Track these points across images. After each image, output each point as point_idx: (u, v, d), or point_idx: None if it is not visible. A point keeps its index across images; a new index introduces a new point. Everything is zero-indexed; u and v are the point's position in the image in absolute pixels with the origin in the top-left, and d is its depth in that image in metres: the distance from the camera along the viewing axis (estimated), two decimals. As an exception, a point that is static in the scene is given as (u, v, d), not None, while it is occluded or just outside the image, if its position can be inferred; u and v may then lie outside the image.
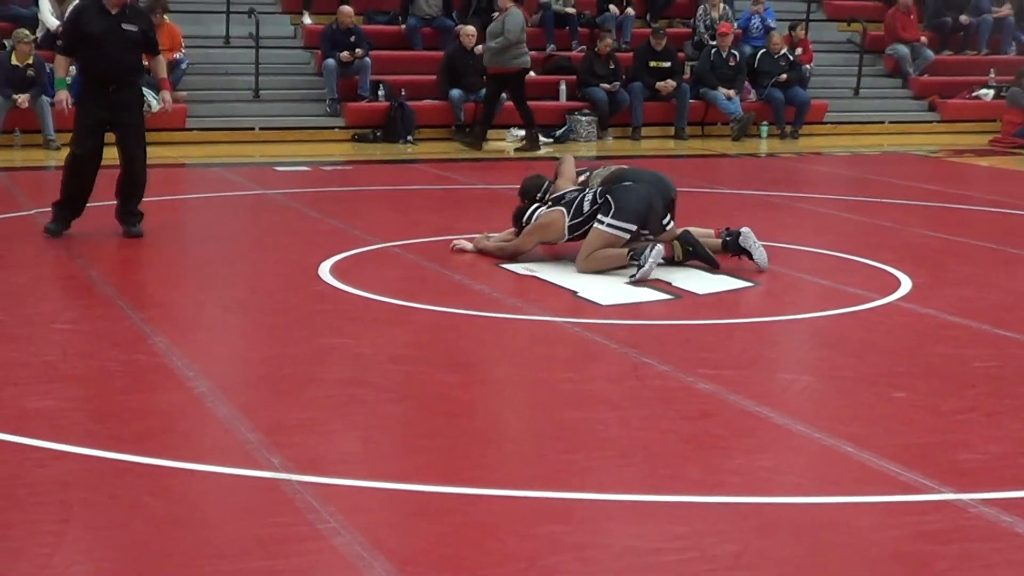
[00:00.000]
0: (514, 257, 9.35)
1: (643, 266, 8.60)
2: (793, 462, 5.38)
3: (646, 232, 9.04)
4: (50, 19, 17.27)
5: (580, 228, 9.11)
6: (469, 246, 9.62)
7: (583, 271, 8.90)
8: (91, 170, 10.06)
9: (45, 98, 15.95)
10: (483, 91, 18.56)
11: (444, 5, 19.95)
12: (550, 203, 9.37)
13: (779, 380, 6.62)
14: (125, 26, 9.99)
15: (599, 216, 8.96)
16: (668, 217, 9.25)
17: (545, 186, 9.62)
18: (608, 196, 9.01)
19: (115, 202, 10.28)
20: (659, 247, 8.74)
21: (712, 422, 5.81)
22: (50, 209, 10.17)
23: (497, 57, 17.34)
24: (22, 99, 16.11)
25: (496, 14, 18.14)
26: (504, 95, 17.94)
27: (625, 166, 9.99)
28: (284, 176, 14.60)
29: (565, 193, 9.35)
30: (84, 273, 8.87)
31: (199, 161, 16.03)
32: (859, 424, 5.78)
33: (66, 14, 10.69)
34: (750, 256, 9.11)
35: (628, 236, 8.95)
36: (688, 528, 4.58)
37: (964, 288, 8.88)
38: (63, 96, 10.21)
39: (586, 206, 9.09)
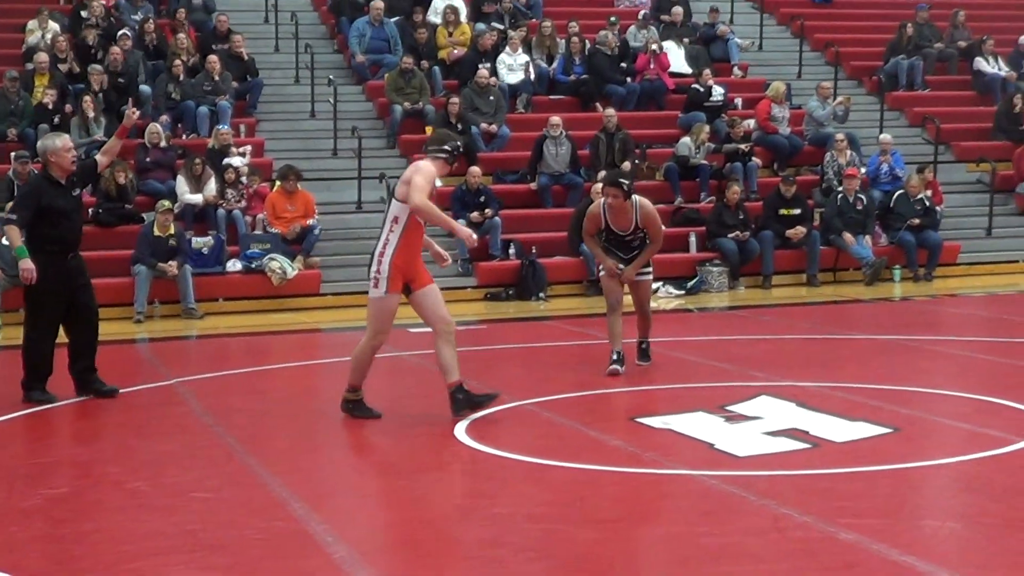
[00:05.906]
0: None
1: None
2: (943, 613, 5.24)
3: None
4: (187, 195, 17.86)
5: None
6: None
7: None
8: None
9: (188, 267, 16.58)
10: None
11: (571, 162, 20.16)
12: None
13: (924, 528, 6.48)
14: (75, 193, 10.29)
15: None
16: None
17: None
18: None
19: (71, 364, 10.39)
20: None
21: (857, 573, 5.69)
22: (25, 388, 10.26)
23: None
24: (172, 266, 16.50)
25: None
26: None
27: None
28: (418, 337, 14.70)
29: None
30: (222, 441, 9.00)
31: (333, 326, 16.27)
32: (1009, 572, 5.63)
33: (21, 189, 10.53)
34: None
35: None
36: None
37: (1113, 427, 8.65)
38: (31, 264, 9.95)
39: None
